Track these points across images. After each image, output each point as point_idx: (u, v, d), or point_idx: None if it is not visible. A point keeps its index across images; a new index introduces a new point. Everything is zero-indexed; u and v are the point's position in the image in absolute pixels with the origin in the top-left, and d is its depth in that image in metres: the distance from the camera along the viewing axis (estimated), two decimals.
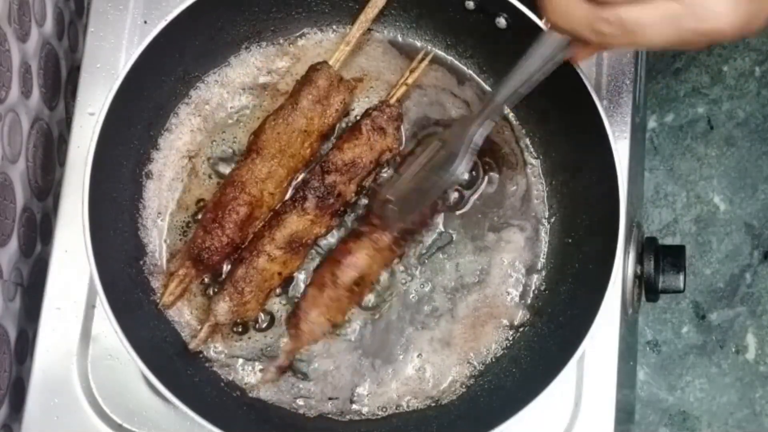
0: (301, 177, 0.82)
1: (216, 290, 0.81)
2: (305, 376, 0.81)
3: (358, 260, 0.80)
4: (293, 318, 0.81)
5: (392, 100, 0.83)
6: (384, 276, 0.83)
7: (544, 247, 0.84)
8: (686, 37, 0.59)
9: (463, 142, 0.75)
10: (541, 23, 0.77)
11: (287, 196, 0.82)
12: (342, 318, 0.81)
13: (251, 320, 0.81)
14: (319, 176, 0.80)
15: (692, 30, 0.59)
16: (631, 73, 0.87)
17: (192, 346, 0.80)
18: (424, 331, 0.82)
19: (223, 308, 0.79)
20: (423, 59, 0.85)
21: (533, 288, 0.84)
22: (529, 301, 0.83)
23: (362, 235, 0.81)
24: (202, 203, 0.83)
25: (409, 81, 0.84)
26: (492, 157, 0.85)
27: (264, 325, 0.82)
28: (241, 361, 0.81)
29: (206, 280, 0.82)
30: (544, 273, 0.84)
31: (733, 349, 1.33)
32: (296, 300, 0.82)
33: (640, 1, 0.59)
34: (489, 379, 0.81)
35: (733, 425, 1.32)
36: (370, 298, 0.83)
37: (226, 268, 0.82)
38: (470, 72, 0.87)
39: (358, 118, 0.84)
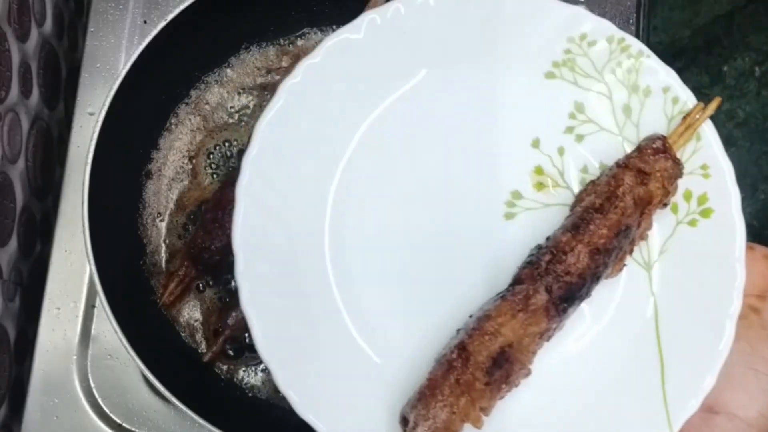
0: None
1: (228, 300, 0.81)
2: None
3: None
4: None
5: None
6: None
7: None
8: None
9: None
10: None
11: None
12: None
13: None
14: None
15: None
16: None
17: (206, 359, 0.79)
18: None
19: (239, 322, 0.79)
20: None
21: None
22: None
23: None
24: (202, 203, 0.83)
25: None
26: None
27: None
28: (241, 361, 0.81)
29: (204, 281, 0.82)
30: None
31: None
32: None
33: None
34: None
35: None
36: None
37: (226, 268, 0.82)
38: None
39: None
